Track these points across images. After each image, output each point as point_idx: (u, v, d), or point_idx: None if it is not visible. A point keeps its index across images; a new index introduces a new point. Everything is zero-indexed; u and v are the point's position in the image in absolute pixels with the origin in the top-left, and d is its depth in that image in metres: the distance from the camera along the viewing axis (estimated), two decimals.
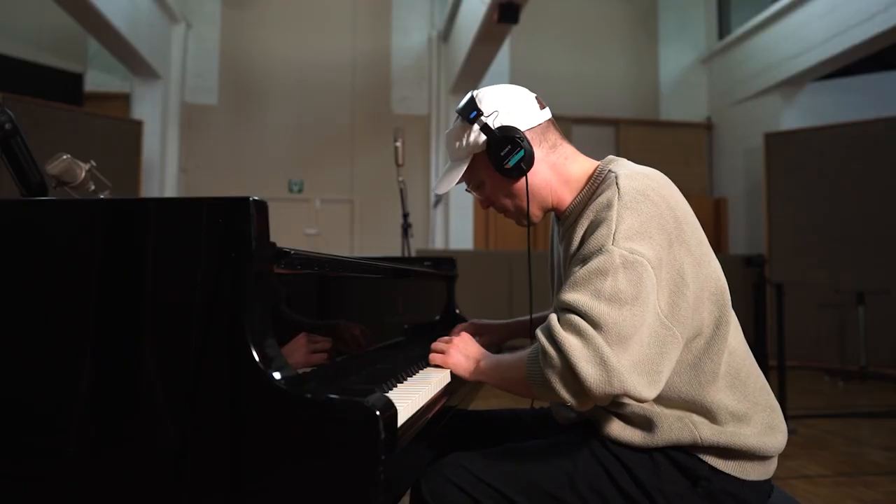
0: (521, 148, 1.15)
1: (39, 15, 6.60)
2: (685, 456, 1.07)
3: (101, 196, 1.50)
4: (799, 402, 4.25)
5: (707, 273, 1.09)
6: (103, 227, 0.90)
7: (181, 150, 7.45)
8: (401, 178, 3.40)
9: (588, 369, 0.92)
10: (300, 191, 7.68)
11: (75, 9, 5.44)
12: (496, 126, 1.16)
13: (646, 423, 1.08)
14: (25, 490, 0.87)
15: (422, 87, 7.98)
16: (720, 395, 1.08)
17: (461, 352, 1.27)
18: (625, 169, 1.12)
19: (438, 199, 7.65)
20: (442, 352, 1.31)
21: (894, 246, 5.79)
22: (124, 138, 6.25)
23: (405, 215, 3.54)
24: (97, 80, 7.12)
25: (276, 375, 0.83)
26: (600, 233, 1.02)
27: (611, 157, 1.21)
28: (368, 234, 7.65)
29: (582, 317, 0.96)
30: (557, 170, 1.20)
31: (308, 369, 1.09)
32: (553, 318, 1.00)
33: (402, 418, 0.90)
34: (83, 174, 1.47)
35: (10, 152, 1.32)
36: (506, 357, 1.15)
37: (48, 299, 0.89)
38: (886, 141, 5.89)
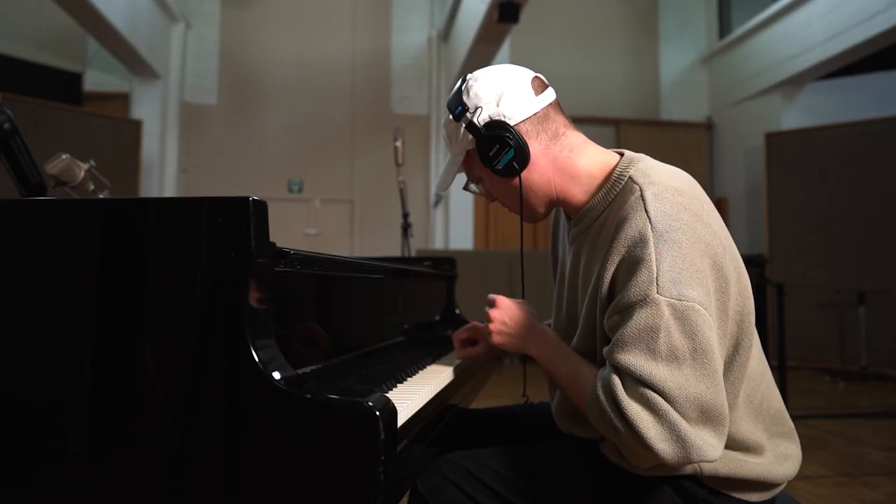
0: (510, 147, 1.05)
1: (39, 14, 6.59)
2: (685, 480, 1.02)
3: (101, 196, 1.50)
4: (799, 403, 4.24)
5: (733, 292, 0.99)
6: (103, 227, 0.89)
7: (181, 149, 7.45)
8: (401, 178, 3.40)
9: (665, 448, 0.87)
10: (300, 191, 7.68)
11: (75, 8, 5.44)
12: (482, 123, 1.06)
13: None
14: (25, 490, 0.86)
15: (422, 87, 7.98)
16: (732, 427, 1.00)
17: (502, 331, 1.16)
18: (650, 181, 1.01)
19: (438, 199, 7.65)
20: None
21: (894, 246, 5.78)
22: (123, 138, 6.24)
23: (405, 215, 3.54)
24: (96, 79, 7.11)
25: (276, 375, 0.82)
26: (641, 278, 0.91)
27: (629, 154, 1.09)
28: (368, 234, 7.65)
29: (647, 386, 0.88)
30: (560, 164, 1.09)
31: (308, 369, 1.08)
32: (617, 384, 0.90)
33: (402, 418, 0.90)
34: (82, 174, 1.48)
35: (9, 152, 1.32)
36: (562, 367, 1.07)
37: (48, 300, 0.88)
38: (886, 141, 5.89)
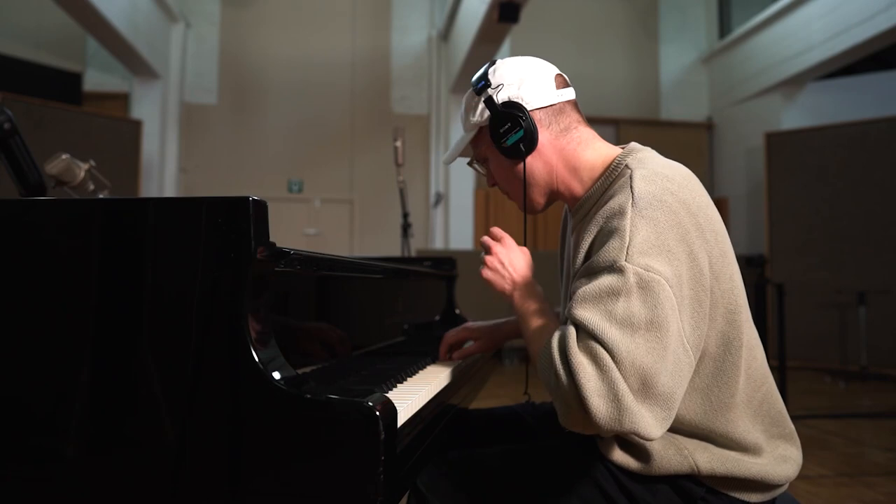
0: (521, 127, 1.08)
1: (38, 14, 6.60)
2: (683, 479, 1.03)
3: (101, 196, 1.50)
4: (800, 403, 4.25)
5: (724, 288, 1.00)
6: (102, 227, 0.89)
7: (180, 149, 7.45)
8: (401, 178, 3.40)
9: (599, 404, 0.84)
10: (300, 190, 7.68)
11: (74, 8, 5.44)
12: (500, 101, 1.10)
13: (643, 453, 1.02)
14: (25, 490, 0.86)
15: (421, 87, 7.98)
16: (730, 427, 1.01)
17: (496, 268, 1.16)
18: (643, 166, 1.02)
19: (438, 199, 7.66)
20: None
21: (894, 246, 5.78)
22: (123, 138, 6.25)
23: (405, 215, 3.54)
24: (96, 79, 7.12)
25: (276, 375, 0.82)
26: (612, 245, 0.92)
27: (633, 145, 1.11)
28: (368, 234, 7.65)
29: (598, 342, 0.87)
30: (565, 155, 1.12)
31: (308, 369, 1.08)
32: (571, 334, 0.89)
33: (402, 418, 0.90)
34: (82, 174, 1.48)
35: (9, 152, 1.32)
36: (533, 322, 1.08)
37: (47, 300, 0.88)
38: (886, 141, 5.89)
